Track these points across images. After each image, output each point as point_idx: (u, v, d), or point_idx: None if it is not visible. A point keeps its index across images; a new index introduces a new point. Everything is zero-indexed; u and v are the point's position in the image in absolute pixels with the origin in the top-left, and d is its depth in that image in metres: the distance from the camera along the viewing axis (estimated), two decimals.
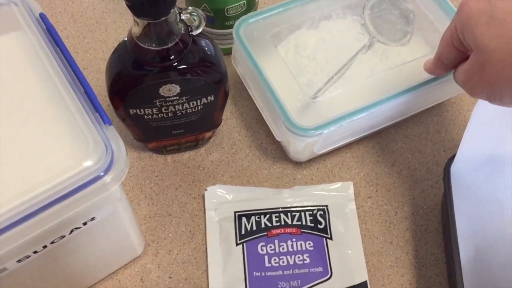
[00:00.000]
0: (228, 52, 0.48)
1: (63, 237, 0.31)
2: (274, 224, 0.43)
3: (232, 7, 0.47)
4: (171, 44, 0.36)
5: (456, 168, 0.40)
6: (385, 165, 0.46)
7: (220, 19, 0.47)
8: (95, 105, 0.30)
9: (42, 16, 0.32)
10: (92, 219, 0.32)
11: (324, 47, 0.48)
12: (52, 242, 0.31)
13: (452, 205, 0.38)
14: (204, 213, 0.44)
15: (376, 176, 0.46)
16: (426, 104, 0.47)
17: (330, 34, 0.48)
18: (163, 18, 0.34)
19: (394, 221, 0.44)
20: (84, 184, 0.28)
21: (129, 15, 0.54)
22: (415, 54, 0.47)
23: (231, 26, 0.48)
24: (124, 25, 0.53)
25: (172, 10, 0.33)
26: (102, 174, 0.28)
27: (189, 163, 0.46)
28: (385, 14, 0.48)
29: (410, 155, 0.47)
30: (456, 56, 0.36)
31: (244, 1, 0.47)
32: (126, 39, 0.38)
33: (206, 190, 0.44)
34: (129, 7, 0.33)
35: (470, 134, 0.39)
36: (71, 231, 0.31)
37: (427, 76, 0.43)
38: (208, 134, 0.46)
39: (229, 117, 0.49)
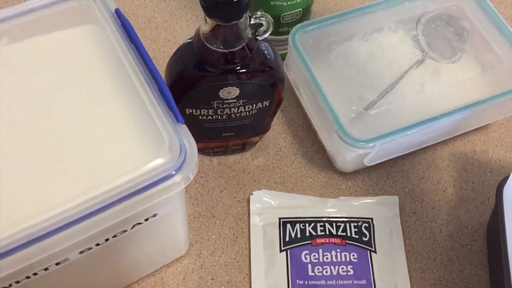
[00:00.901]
0: None
1: (124, 231, 0.31)
2: (319, 233, 0.43)
3: (288, 14, 0.47)
4: (237, 48, 0.36)
5: (509, 189, 0.40)
6: (431, 182, 0.46)
7: (274, 26, 0.47)
8: (169, 102, 0.30)
9: (118, 12, 0.33)
10: (154, 215, 0.32)
11: (375, 60, 0.48)
12: (114, 236, 0.31)
13: (504, 227, 0.38)
14: (248, 217, 0.44)
15: (421, 192, 0.46)
16: (475, 124, 0.47)
17: (380, 47, 0.49)
18: (234, 22, 0.34)
19: (439, 239, 0.44)
20: (156, 181, 0.28)
21: (179, 16, 0.54)
22: (466, 73, 0.47)
23: (284, 33, 0.48)
24: (174, 25, 0.54)
25: (244, 14, 0.34)
26: (174, 173, 0.28)
27: (235, 166, 0.47)
28: (439, 31, 0.48)
29: (456, 173, 0.47)
30: None
31: (300, 9, 0.47)
32: (190, 40, 0.38)
33: (252, 194, 0.45)
34: (203, 7, 0.33)
35: None
36: (133, 226, 0.31)
37: (478, 96, 0.43)
38: (255, 139, 0.47)
39: (276, 123, 0.49)
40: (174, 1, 0.55)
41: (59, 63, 0.33)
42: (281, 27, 0.48)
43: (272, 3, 0.45)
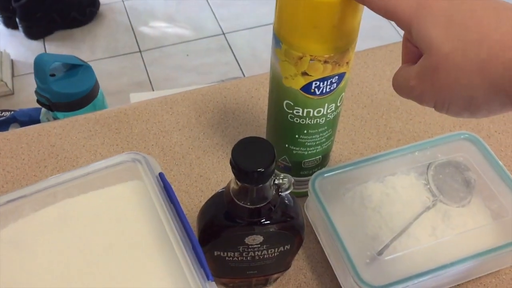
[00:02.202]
0: (299, 195, 0.53)
1: None
2: None
3: (309, 160, 0.52)
4: (262, 205, 0.41)
5: None
6: None
7: (296, 169, 0.53)
8: (201, 261, 0.34)
9: (161, 175, 0.38)
10: None
11: (389, 202, 0.52)
12: None
13: None
14: None
15: None
16: (485, 271, 0.49)
17: (394, 189, 0.53)
18: (261, 185, 0.39)
19: None
20: None
21: (211, 153, 0.60)
22: (475, 218, 0.50)
23: (305, 175, 0.53)
24: (206, 161, 0.59)
25: (269, 179, 0.39)
26: None
27: None
28: (448, 178, 0.52)
29: None
30: (406, 51, 0.34)
31: (320, 156, 0.52)
32: (221, 190, 0.43)
33: None
34: (234, 173, 0.38)
35: None
36: None
37: (488, 244, 0.46)
38: (277, 275, 0.50)
39: (297, 258, 0.52)
40: (207, 140, 0.61)
41: (107, 216, 0.38)
42: (302, 170, 0.53)
43: (294, 151, 0.51)
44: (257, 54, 1.85)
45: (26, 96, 1.64)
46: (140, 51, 1.85)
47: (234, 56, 1.85)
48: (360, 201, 0.52)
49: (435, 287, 0.47)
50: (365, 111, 0.65)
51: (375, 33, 1.72)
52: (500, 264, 0.50)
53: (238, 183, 0.40)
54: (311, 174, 0.51)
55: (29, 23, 1.81)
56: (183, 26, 1.95)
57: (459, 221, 0.50)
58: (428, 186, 0.52)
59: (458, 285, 0.50)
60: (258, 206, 0.41)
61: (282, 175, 0.41)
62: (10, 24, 1.85)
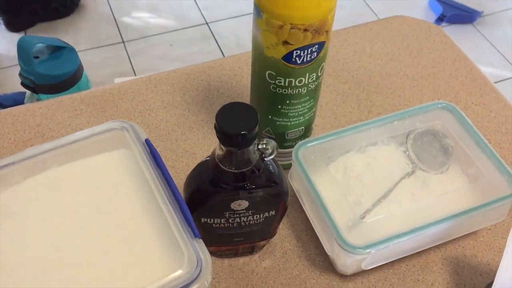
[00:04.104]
0: (283, 167, 0.54)
1: None
2: None
3: (292, 131, 0.53)
4: (247, 169, 0.42)
5: None
6: (425, 284, 0.50)
7: (280, 141, 0.54)
8: (188, 220, 0.35)
9: (147, 141, 0.39)
10: None
11: (370, 171, 0.53)
12: None
13: None
14: None
15: None
16: (464, 231, 0.51)
17: (375, 159, 0.54)
18: (244, 149, 0.40)
19: None
20: None
21: (196, 129, 0.61)
22: (453, 183, 0.52)
23: (289, 147, 0.55)
24: (192, 137, 0.60)
25: (253, 143, 0.40)
26: (190, 282, 0.33)
27: (244, 267, 0.51)
28: (426, 146, 0.54)
29: (449, 276, 0.51)
30: None
31: (303, 127, 0.54)
32: (206, 159, 0.44)
33: None
34: (218, 137, 0.40)
35: (506, 263, 0.43)
36: None
37: (465, 206, 0.48)
38: (263, 243, 0.51)
39: (282, 227, 0.54)
40: (192, 116, 0.62)
41: (95, 182, 0.39)
42: (286, 142, 0.54)
43: (277, 122, 0.52)
44: (240, 43, 1.85)
45: (9, 88, 1.63)
46: (123, 42, 1.85)
47: (218, 45, 1.85)
48: (343, 171, 0.53)
49: (416, 247, 0.49)
50: (346, 86, 0.66)
51: (354, 21, 1.74)
52: (477, 224, 0.52)
53: (223, 148, 0.41)
54: (294, 146, 0.53)
55: (10, 15, 1.79)
56: (166, 16, 1.95)
57: (438, 187, 0.52)
58: (408, 154, 0.53)
59: (437, 246, 0.52)
60: (242, 170, 0.42)
61: (265, 140, 0.42)
62: None
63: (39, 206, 0.38)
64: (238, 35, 1.87)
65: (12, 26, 1.82)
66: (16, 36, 1.82)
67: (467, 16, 1.88)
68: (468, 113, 0.63)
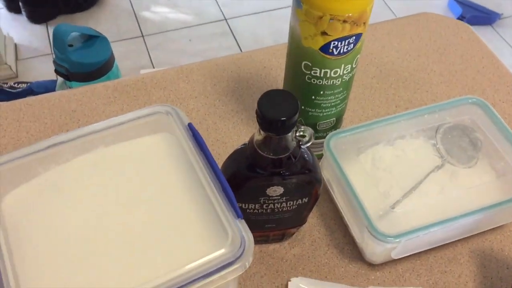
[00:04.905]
0: None
1: None
2: None
3: (323, 122, 0.54)
4: (284, 155, 0.43)
5: None
6: (452, 276, 0.51)
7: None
8: (231, 201, 0.37)
9: (190, 125, 0.40)
10: None
11: (399, 163, 0.54)
12: None
13: None
14: None
15: (443, 285, 0.50)
16: (492, 224, 0.52)
17: (404, 151, 0.55)
18: (283, 135, 0.41)
19: None
20: (218, 268, 0.34)
21: (227, 119, 0.62)
22: (481, 177, 0.53)
23: (320, 137, 0.56)
24: (222, 126, 0.62)
25: (292, 129, 0.41)
26: (233, 261, 0.34)
27: (274, 254, 0.52)
28: (455, 140, 0.55)
29: (476, 268, 0.51)
30: None
31: (334, 118, 0.55)
32: (243, 145, 0.45)
33: (290, 281, 0.50)
34: (259, 122, 0.41)
35: None
36: None
37: (493, 200, 0.49)
38: (293, 230, 0.52)
39: (311, 216, 0.55)
40: (222, 106, 0.63)
41: (140, 163, 0.40)
42: (317, 132, 0.55)
43: (310, 113, 0.53)
44: (258, 40, 1.86)
45: (32, 79, 1.65)
46: (142, 36, 1.87)
47: (236, 41, 1.86)
48: (372, 163, 0.54)
49: (444, 239, 0.50)
50: (374, 81, 0.67)
51: (373, 20, 1.74)
52: (505, 219, 0.52)
53: (262, 133, 0.42)
54: (324, 137, 0.54)
55: (32, 7, 1.81)
56: (185, 11, 1.96)
57: (466, 180, 0.53)
58: (437, 146, 0.54)
59: (465, 239, 0.53)
60: (280, 156, 0.43)
61: (303, 127, 0.43)
62: (13, 8, 1.86)
63: (86, 184, 0.39)
64: (256, 33, 1.88)
65: (34, 18, 1.84)
66: (37, 28, 1.85)
67: (486, 18, 1.87)
68: (495, 109, 0.64)
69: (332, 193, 0.54)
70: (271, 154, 0.43)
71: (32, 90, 1.18)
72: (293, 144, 0.43)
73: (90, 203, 0.38)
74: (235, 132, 0.61)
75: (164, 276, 0.33)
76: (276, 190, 0.45)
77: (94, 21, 1.90)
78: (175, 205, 0.38)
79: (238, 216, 0.36)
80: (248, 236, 0.35)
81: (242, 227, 0.36)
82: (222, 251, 0.35)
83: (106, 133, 0.40)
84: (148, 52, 1.81)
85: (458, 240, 0.52)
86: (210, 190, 0.37)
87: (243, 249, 0.35)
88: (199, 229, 0.36)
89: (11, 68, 1.66)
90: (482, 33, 1.88)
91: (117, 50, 1.80)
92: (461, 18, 1.82)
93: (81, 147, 0.39)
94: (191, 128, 0.40)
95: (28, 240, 0.36)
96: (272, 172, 0.44)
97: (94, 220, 0.37)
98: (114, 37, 1.85)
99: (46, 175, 0.39)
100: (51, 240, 0.36)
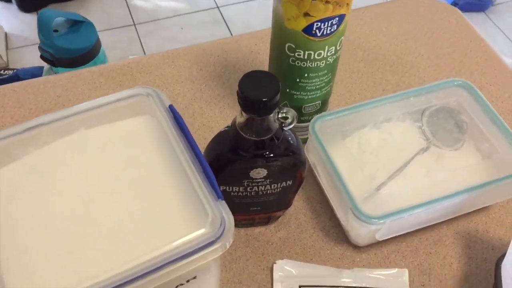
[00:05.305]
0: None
1: None
2: None
3: (308, 106, 0.54)
4: (267, 137, 0.43)
5: (506, 265, 0.44)
6: (437, 257, 0.51)
7: (297, 115, 0.55)
8: (212, 182, 0.36)
9: (171, 107, 0.40)
10: (194, 277, 0.37)
11: (385, 146, 0.54)
12: None
13: None
14: (271, 284, 0.49)
15: (428, 266, 0.50)
16: (477, 205, 0.52)
17: (390, 134, 0.55)
18: (265, 116, 0.41)
19: None
20: (199, 248, 0.34)
21: (213, 103, 0.62)
22: (467, 160, 0.53)
23: (305, 121, 0.55)
24: (209, 111, 0.61)
25: (274, 110, 0.41)
26: (214, 241, 0.34)
27: (260, 237, 0.52)
28: (441, 122, 0.55)
29: (461, 250, 0.51)
30: None
31: (319, 101, 0.54)
32: (226, 128, 0.45)
33: (275, 263, 0.50)
34: (240, 104, 0.40)
35: None
36: (176, 287, 0.37)
37: (478, 181, 0.49)
38: (279, 213, 0.52)
39: (297, 199, 0.55)
40: (209, 91, 0.63)
41: (121, 146, 0.40)
42: (302, 116, 0.55)
43: (295, 96, 0.53)
44: (251, 28, 1.85)
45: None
46: (134, 24, 1.85)
47: (229, 29, 1.85)
48: (358, 146, 0.54)
49: (429, 220, 0.50)
50: (361, 64, 0.67)
51: (363, 3, 1.74)
52: (489, 200, 0.52)
53: (244, 114, 0.42)
54: (310, 120, 0.53)
55: None
56: None
57: (452, 162, 0.53)
58: (423, 130, 0.54)
59: (450, 221, 0.53)
60: (262, 138, 0.43)
61: (285, 109, 0.43)
62: None
63: (66, 167, 0.39)
64: (248, 20, 1.87)
65: (24, 7, 1.82)
66: (28, 17, 1.83)
67: (479, 4, 1.87)
68: (482, 93, 0.63)
69: (317, 176, 0.54)
70: (254, 136, 0.43)
71: (19, 76, 1.17)
72: (275, 125, 0.43)
73: (70, 186, 0.38)
74: (222, 117, 0.61)
75: (145, 256, 0.33)
76: (259, 173, 0.45)
77: (84, 9, 1.88)
78: (155, 187, 0.38)
79: (219, 197, 0.36)
80: (229, 216, 0.35)
81: (222, 207, 0.35)
82: (202, 231, 0.34)
83: (86, 115, 0.40)
84: (140, 40, 1.80)
85: (443, 222, 0.53)
86: (190, 171, 0.37)
87: (223, 229, 0.34)
88: (179, 210, 0.36)
89: (1, 57, 1.64)
90: (475, 20, 1.87)
91: (108, 38, 1.79)
92: (454, 4, 1.82)
93: (61, 129, 0.39)
94: (172, 110, 0.40)
95: (9, 224, 0.36)
96: (255, 154, 0.44)
97: (74, 203, 0.37)
98: (105, 26, 1.83)
99: (25, 158, 0.38)
100: (32, 224, 0.36)
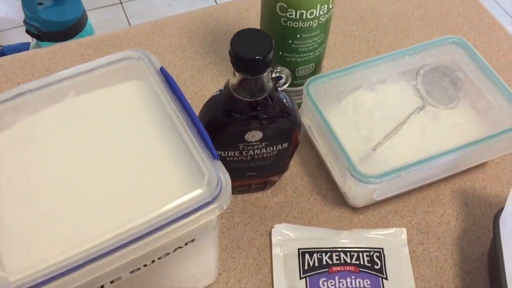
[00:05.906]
0: None
1: (167, 254, 0.36)
2: (335, 262, 0.47)
3: (302, 68, 0.53)
4: (261, 97, 0.42)
5: (504, 219, 0.44)
6: (435, 216, 0.51)
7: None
8: (207, 142, 0.36)
9: (162, 69, 0.39)
10: (192, 240, 0.37)
11: (380, 107, 0.53)
12: (159, 258, 0.36)
13: (502, 253, 0.42)
14: (270, 248, 0.49)
15: (426, 225, 0.50)
16: (473, 162, 0.52)
17: (385, 96, 0.55)
18: (258, 76, 0.40)
19: (444, 267, 0.48)
20: (196, 208, 0.33)
21: (205, 72, 0.61)
22: (462, 117, 0.52)
23: (299, 84, 0.55)
24: (200, 79, 0.60)
25: (267, 69, 0.40)
26: (210, 201, 0.34)
27: (257, 203, 0.52)
28: (436, 81, 0.54)
29: (458, 207, 0.52)
30: None
31: (312, 64, 0.54)
32: (219, 92, 0.44)
33: (273, 227, 0.49)
34: (233, 63, 0.40)
35: None
36: (175, 249, 0.36)
37: (474, 137, 0.49)
38: (275, 178, 0.52)
39: (293, 164, 0.54)
40: (200, 59, 0.62)
41: (113, 111, 0.39)
42: (296, 79, 0.54)
43: (288, 59, 0.52)
44: None
45: None
46: (121, 3, 1.82)
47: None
48: (353, 108, 0.53)
49: (426, 178, 0.50)
50: (354, 27, 0.66)
51: None
52: (486, 156, 0.52)
53: (237, 75, 0.41)
54: (303, 84, 0.53)
55: None
56: None
57: (448, 120, 0.52)
58: (418, 89, 0.54)
59: (447, 179, 0.53)
60: (256, 99, 0.42)
61: (279, 68, 0.42)
62: None
63: (58, 134, 0.38)
64: None
65: None
66: (14, 1, 1.79)
67: None
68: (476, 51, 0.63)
69: (313, 139, 0.53)
70: (248, 96, 0.42)
71: (5, 53, 1.15)
72: (269, 85, 0.42)
73: (64, 152, 0.37)
74: (214, 85, 0.60)
75: (142, 218, 0.33)
76: (254, 135, 0.44)
77: None
78: (150, 149, 0.37)
79: (214, 157, 0.35)
80: (225, 176, 0.35)
81: (218, 167, 0.35)
82: (199, 191, 0.34)
83: (76, 81, 0.39)
84: (128, 19, 1.77)
85: (441, 181, 0.52)
86: (185, 133, 0.36)
87: (220, 189, 0.34)
88: (175, 171, 0.36)
89: None
90: None
91: (95, 18, 1.76)
92: None
93: (51, 96, 0.38)
94: (163, 72, 0.39)
95: (2, 191, 0.35)
96: (249, 116, 0.43)
97: (69, 168, 0.36)
98: (91, 5, 1.80)
99: (16, 126, 0.38)
100: (27, 191, 0.36)
